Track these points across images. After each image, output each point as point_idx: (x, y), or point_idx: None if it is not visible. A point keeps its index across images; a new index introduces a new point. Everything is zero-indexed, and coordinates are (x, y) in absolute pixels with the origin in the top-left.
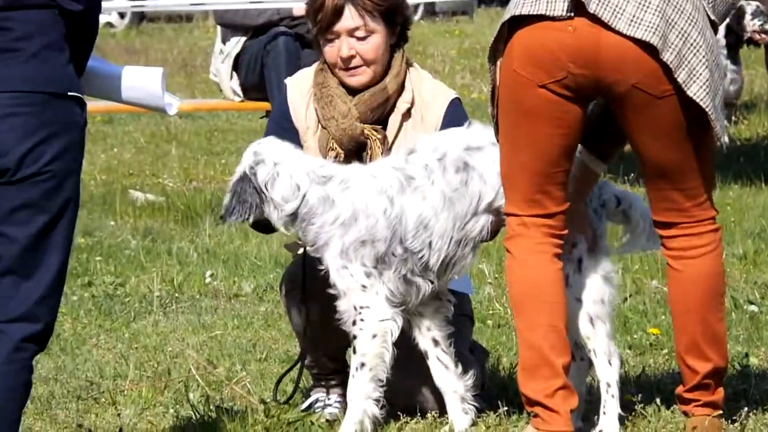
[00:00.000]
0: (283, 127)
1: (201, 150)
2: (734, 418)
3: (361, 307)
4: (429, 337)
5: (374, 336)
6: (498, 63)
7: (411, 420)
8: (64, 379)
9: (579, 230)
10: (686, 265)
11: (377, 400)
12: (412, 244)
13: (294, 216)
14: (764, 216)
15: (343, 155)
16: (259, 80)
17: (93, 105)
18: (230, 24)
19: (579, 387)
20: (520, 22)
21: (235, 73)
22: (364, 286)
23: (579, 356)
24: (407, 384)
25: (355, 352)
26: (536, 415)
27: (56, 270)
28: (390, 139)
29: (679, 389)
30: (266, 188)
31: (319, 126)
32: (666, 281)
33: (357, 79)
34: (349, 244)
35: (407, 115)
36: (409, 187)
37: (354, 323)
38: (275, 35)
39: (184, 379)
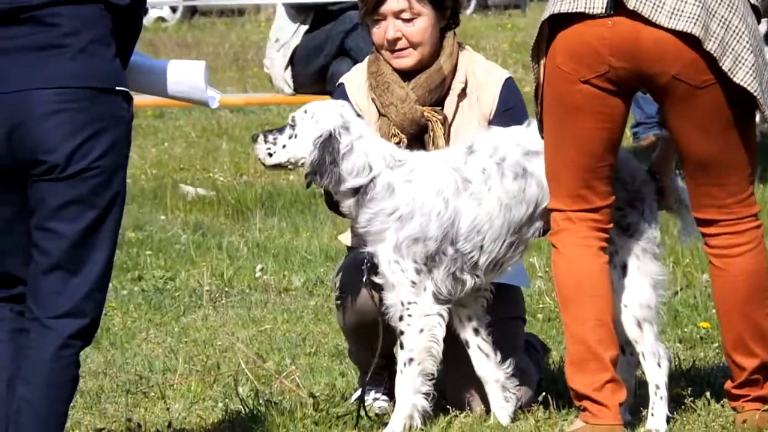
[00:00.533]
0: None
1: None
2: None
3: (409, 303)
4: (470, 327)
5: (421, 331)
6: (541, 61)
7: (460, 414)
8: (113, 373)
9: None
10: (728, 263)
11: (426, 394)
12: (464, 246)
13: (354, 192)
14: None
15: (405, 140)
16: (316, 73)
17: (143, 99)
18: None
19: (628, 381)
20: (560, 20)
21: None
22: (413, 283)
23: (629, 351)
24: (455, 379)
25: (402, 347)
26: (585, 409)
27: (103, 265)
28: (450, 119)
29: (728, 385)
30: (341, 156)
31: (378, 115)
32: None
33: (403, 61)
34: (403, 239)
35: (463, 95)
36: (465, 192)
37: (401, 318)
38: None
39: (233, 373)
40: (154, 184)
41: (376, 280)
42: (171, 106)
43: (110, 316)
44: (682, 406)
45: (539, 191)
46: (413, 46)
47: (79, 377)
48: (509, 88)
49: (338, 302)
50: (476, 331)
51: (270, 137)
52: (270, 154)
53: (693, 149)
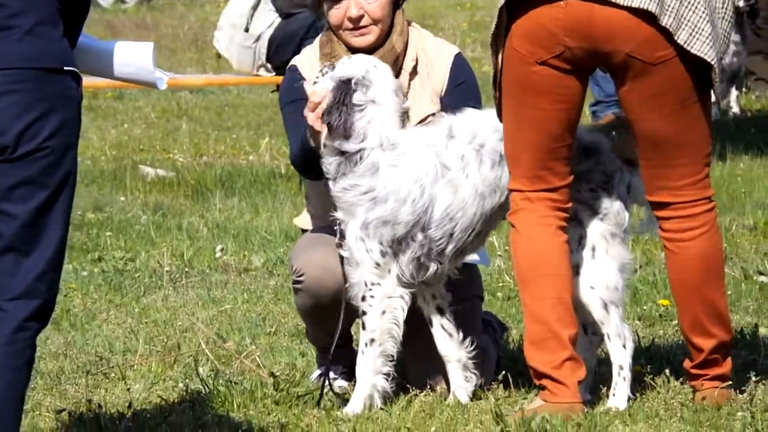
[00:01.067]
0: (302, 98)
1: (211, 125)
2: (743, 388)
3: (372, 284)
4: (433, 305)
5: (384, 312)
6: (500, 48)
7: (420, 393)
8: (73, 354)
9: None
10: (682, 247)
11: (387, 375)
12: (434, 233)
13: (341, 153)
14: None
15: None
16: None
17: (103, 81)
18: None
19: (589, 360)
20: (516, 4)
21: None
22: (377, 264)
23: (591, 330)
24: (416, 359)
25: (364, 328)
26: (544, 388)
27: (57, 245)
28: None
29: (687, 364)
30: (352, 108)
31: None
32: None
33: (365, 38)
34: (372, 219)
35: (414, 72)
36: (443, 178)
37: (363, 299)
38: None
39: (193, 353)
40: (114, 165)
41: (342, 252)
42: (131, 87)
43: (70, 297)
44: (642, 384)
45: None
46: (375, 22)
47: (34, 360)
48: (459, 64)
49: (296, 285)
50: (440, 310)
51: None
52: (314, 83)
53: (647, 128)
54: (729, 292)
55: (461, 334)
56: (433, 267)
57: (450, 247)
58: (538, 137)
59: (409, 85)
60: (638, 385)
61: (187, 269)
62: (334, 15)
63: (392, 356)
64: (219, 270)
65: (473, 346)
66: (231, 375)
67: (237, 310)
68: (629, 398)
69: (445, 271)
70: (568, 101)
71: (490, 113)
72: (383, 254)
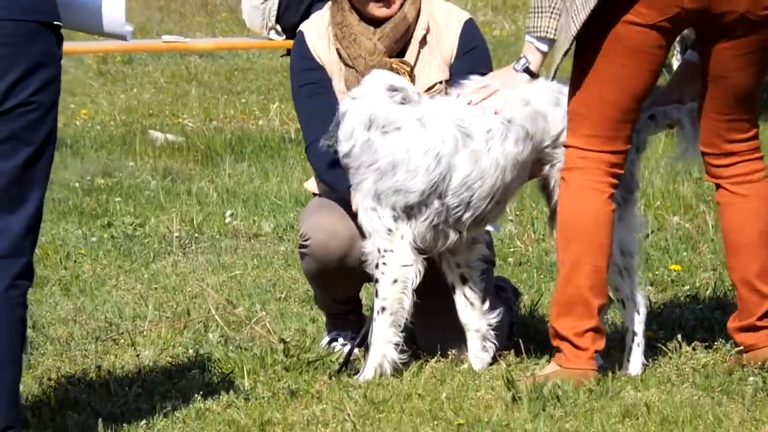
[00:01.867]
0: (311, 68)
1: (221, 89)
2: None
3: (385, 251)
4: (457, 273)
5: (395, 281)
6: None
7: (431, 359)
8: (83, 320)
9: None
10: (751, 188)
11: (397, 344)
12: (451, 200)
13: (347, 155)
14: None
15: None
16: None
17: (112, 45)
18: None
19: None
20: None
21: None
22: (389, 230)
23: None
24: (428, 326)
25: (377, 295)
26: (560, 351)
27: (38, 203)
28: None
29: (741, 322)
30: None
31: (343, 66)
32: (720, 211)
33: (385, 9)
34: (383, 189)
35: (423, 41)
36: (465, 148)
37: (377, 266)
38: None
39: (203, 319)
40: (123, 131)
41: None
42: (139, 51)
43: (80, 263)
44: (654, 349)
45: (534, 154)
46: None
47: (27, 318)
48: (469, 30)
49: (301, 249)
50: (463, 279)
51: None
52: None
53: (737, 83)
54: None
55: (486, 305)
56: (452, 235)
57: (467, 215)
58: (620, 96)
59: (419, 53)
60: (650, 350)
61: (196, 235)
62: None
63: (401, 326)
64: (229, 235)
65: (495, 317)
66: (241, 341)
67: (247, 275)
68: (642, 364)
69: (465, 240)
70: (657, 62)
71: (525, 87)
72: (395, 219)
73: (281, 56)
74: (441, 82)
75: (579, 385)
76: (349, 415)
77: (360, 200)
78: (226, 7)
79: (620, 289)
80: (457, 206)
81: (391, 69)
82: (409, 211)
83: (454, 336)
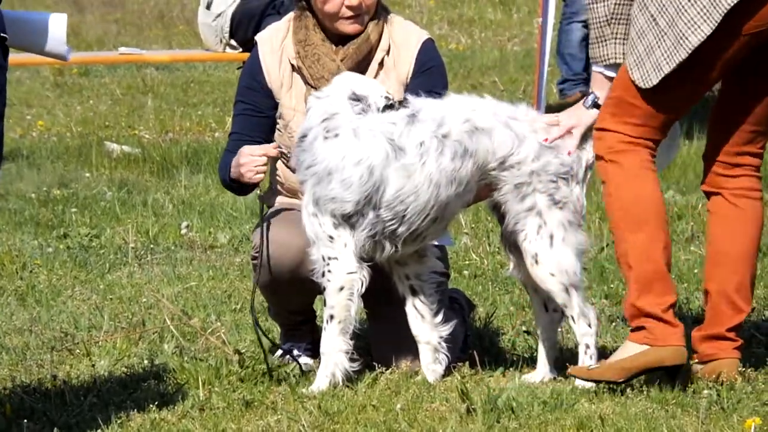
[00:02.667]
0: (253, 88)
1: (177, 102)
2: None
3: (330, 258)
4: (407, 285)
5: (341, 288)
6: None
7: (386, 371)
8: (38, 330)
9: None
10: (748, 204)
11: (347, 353)
12: (385, 213)
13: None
14: None
15: None
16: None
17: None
18: None
19: (551, 338)
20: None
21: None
22: (331, 237)
23: (552, 308)
24: (381, 336)
25: (325, 304)
26: (643, 328)
27: None
28: None
29: (708, 331)
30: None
31: (294, 83)
32: (711, 220)
33: (356, 26)
34: (321, 195)
35: (382, 64)
36: (396, 161)
37: (323, 275)
38: None
39: (158, 330)
40: (80, 142)
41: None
42: (97, 63)
43: (36, 274)
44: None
45: (474, 170)
46: (368, 10)
47: None
48: (427, 50)
49: (254, 261)
50: (413, 291)
51: None
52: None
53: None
54: (695, 271)
55: (439, 317)
56: (388, 247)
57: (402, 229)
58: (691, 101)
59: (376, 75)
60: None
61: (152, 246)
62: (332, 3)
63: (352, 333)
64: (184, 247)
65: (447, 329)
66: (196, 352)
67: (202, 286)
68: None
69: (406, 253)
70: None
71: (465, 102)
72: (336, 226)
73: (237, 68)
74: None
75: (675, 360)
76: (303, 426)
77: (304, 205)
78: (182, 20)
79: (568, 305)
80: (392, 219)
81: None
82: (348, 220)
83: (407, 347)
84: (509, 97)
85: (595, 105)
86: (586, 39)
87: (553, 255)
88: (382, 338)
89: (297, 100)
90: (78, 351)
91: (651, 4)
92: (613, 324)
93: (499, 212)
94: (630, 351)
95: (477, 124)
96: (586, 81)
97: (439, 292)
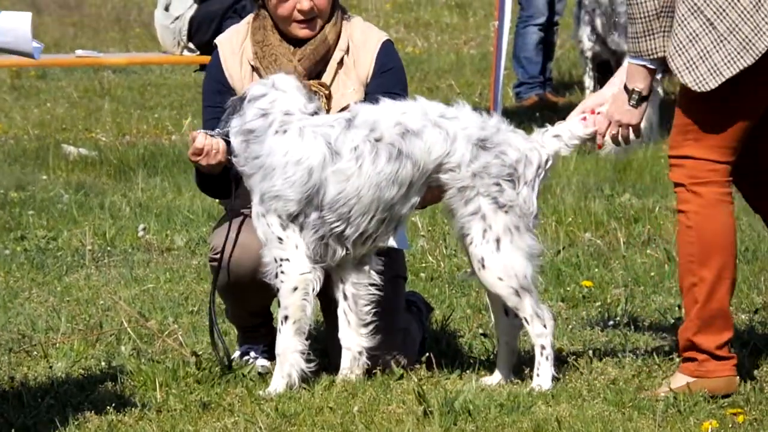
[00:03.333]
0: (220, 91)
1: (134, 105)
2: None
3: (281, 260)
4: (341, 288)
5: (295, 289)
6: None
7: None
8: None
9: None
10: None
11: (302, 353)
12: (328, 215)
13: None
14: None
15: None
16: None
17: (26, 60)
18: None
19: (511, 343)
20: None
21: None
22: (280, 239)
23: (513, 314)
24: (338, 339)
25: (279, 305)
26: (694, 360)
27: None
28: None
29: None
30: (248, 101)
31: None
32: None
33: (308, 31)
34: (265, 191)
35: (341, 63)
36: (333, 164)
37: (276, 276)
38: None
39: (116, 332)
40: (37, 145)
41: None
42: (53, 66)
43: None
44: (565, 365)
45: (414, 171)
46: (321, 15)
47: None
48: (386, 51)
49: (212, 263)
50: (344, 296)
51: None
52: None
53: None
54: (652, 274)
55: (365, 328)
56: (339, 250)
57: (349, 230)
58: (757, 116)
59: (335, 74)
60: (561, 366)
61: (109, 248)
62: (284, 7)
63: (307, 334)
64: (141, 249)
65: (373, 341)
66: (153, 354)
67: (159, 289)
68: (553, 378)
69: (356, 256)
70: None
71: (396, 106)
72: (284, 227)
73: (194, 71)
74: (355, 103)
75: (727, 391)
76: (260, 428)
77: (253, 205)
78: (139, 23)
79: (520, 308)
80: (337, 221)
81: (310, 91)
82: (295, 221)
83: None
84: (465, 100)
85: (642, 99)
86: (542, 42)
87: (500, 259)
88: (337, 340)
89: None
90: (35, 353)
91: (706, 8)
92: (570, 327)
93: (454, 217)
94: (680, 382)
95: (408, 126)
96: (542, 84)
97: (374, 306)
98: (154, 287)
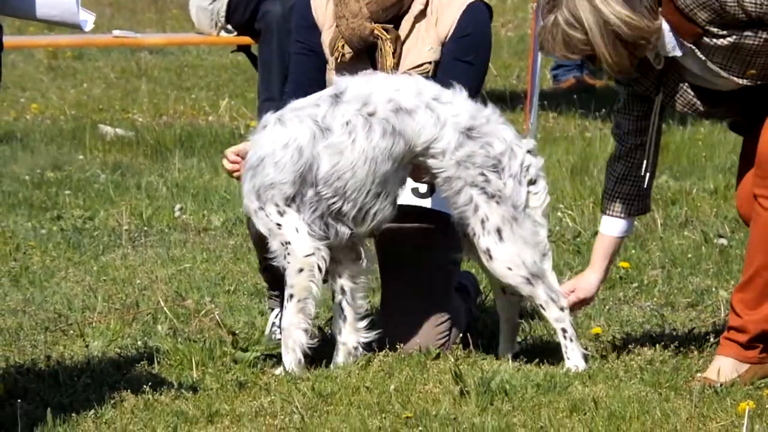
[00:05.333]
0: (304, 26)
1: (171, 85)
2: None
3: (287, 243)
4: (339, 283)
5: (300, 270)
6: None
7: (380, 352)
8: (32, 311)
9: None
10: None
11: (306, 331)
12: (324, 190)
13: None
14: (734, 152)
15: (350, 55)
16: (251, 18)
17: (64, 39)
18: None
19: (512, 320)
20: None
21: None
22: (279, 225)
23: (509, 291)
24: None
25: (285, 283)
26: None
27: None
28: (402, 39)
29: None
30: None
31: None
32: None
33: None
34: (260, 185)
35: (421, 15)
36: (324, 139)
37: (284, 257)
38: None
39: (152, 311)
40: (74, 125)
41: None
42: (90, 46)
43: (29, 255)
44: (602, 345)
45: (406, 149)
46: None
47: None
48: (471, 14)
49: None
50: (342, 291)
51: None
52: None
53: None
54: (689, 255)
55: (361, 322)
56: (341, 229)
57: (346, 207)
58: None
59: (413, 26)
60: (598, 346)
61: (146, 228)
62: None
63: (313, 313)
64: (178, 229)
65: (369, 336)
66: (189, 333)
67: (196, 269)
68: (585, 355)
69: (361, 235)
70: None
71: (390, 82)
72: (281, 213)
73: (231, 52)
74: (430, 63)
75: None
76: (296, 407)
77: (247, 206)
78: (176, 4)
79: (534, 295)
80: (333, 197)
81: (372, 34)
82: (292, 204)
83: (414, 319)
84: (503, 82)
85: None
86: None
87: (505, 249)
88: (390, 313)
89: (330, 41)
90: (71, 332)
91: None
92: (607, 308)
93: (467, 239)
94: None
95: (401, 104)
96: (580, 67)
97: (366, 297)
98: (191, 267)
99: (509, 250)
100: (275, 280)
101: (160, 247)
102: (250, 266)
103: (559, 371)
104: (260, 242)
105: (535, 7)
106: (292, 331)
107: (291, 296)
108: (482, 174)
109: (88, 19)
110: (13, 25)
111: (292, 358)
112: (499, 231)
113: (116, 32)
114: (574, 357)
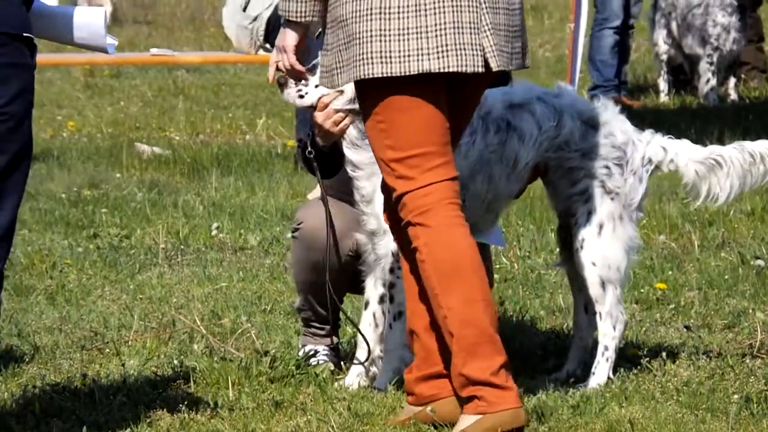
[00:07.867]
0: None
1: (208, 104)
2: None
3: (397, 254)
4: (376, 292)
5: None
6: None
7: None
8: (68, 329)
9: None
10: None
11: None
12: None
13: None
14: None
15: None
16: None
17: (101, 57)
18: None
19: (586, 339)
20: None
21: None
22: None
23: (591, 311)
24: None
25: (391, 301)
26: (476, 398)
27: (11, 213)
28: None
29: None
30: None
31: None
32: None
33: None
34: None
35: None
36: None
37: (391, 270)
38: None
39: (188, 330)
40: (110, 143)
41: (366, 227)
42: (128, 65)
43: (65, 273)
44: (638, 367)
45: (519, 145)
46: None
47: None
48: None
49: (293, 233)
50: (381, 299)
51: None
52: (301, 96)
53: None
54: (726, 277)
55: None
56: None
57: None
58: None
59: None
60: (634, 368)
61: (182, 247)
62: None
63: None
64: (214, 248)
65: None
66: (225, 352)
67: (232, 288)
68: (609, 379)
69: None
70: None
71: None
72: None
73: None
74: None
75: (514, 425)
76: (333, 427)
77: (360, 198)
78: (213, 22)
79: (600, 301)
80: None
81: None
82: None
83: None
84: None
85: None
86: (617, 45)
87: (599, 245)
88: None
89: None
90: (107, 350)
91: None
92: (644, 329)
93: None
94: (465, 423)
95: (513, 100)
96: (617, 87)
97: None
98: (227, 286)
99: (603, 246)
100: (318, 317)
101: (196, 266)
102: (287, 285)
103: (595, 392)
104: (304, 265)
105: (572, 28)
106: (401, 351)
107: (400, 314)
108: (606, 167)
109: (113, 42)
110: (50, 43)
111: (394, 378)
112: (601, 226)
113: (154, 50)
114: (599, 374)
